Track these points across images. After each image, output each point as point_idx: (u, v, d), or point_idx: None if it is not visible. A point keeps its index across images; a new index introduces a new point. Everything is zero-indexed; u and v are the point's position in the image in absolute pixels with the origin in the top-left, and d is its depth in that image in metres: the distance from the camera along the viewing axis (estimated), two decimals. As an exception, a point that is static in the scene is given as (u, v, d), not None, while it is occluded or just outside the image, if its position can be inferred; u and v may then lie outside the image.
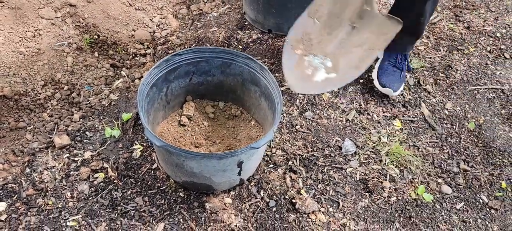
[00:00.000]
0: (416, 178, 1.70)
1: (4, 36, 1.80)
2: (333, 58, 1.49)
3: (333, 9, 1.52)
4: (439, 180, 1.71)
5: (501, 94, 2.05)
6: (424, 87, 2.04)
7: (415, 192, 1.66)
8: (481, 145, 1.84)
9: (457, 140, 1.85)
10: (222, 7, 2.43)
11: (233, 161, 1.41)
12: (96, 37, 2.00)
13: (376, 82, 1.97)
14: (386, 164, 1.73)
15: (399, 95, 1.99)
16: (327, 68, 1.49)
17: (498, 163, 1.79)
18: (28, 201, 1.50)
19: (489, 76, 2.13)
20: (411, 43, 1.99)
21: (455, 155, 1.80)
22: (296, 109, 1.89)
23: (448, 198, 1.66)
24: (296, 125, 1.83)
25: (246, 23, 2.33)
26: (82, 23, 1.99)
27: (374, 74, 2.01)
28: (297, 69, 1.50)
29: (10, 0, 1.86)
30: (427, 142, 1.83)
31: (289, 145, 1.75)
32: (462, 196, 1.68)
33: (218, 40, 2.19)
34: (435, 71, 2.12)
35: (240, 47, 2.18)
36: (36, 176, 1.56)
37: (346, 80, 1.55)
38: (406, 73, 2.02)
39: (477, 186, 1.71)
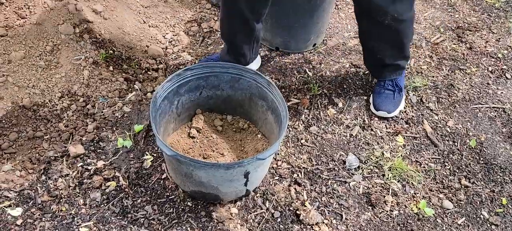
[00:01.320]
0: (418, 193, 1.75)
1: (26, 51, 1.90)
2: None
3: None
4: (441, 195, 1.75)
5: (502, 113, 2.10)
6: (427, 105, 2.10)
7: (417, 207, 1.70)
8: (482, 162, 1.88)
9: (459, 157, 1.90)
10: (232, 25, 2.52)
11: (240, 171, 1.47)
12: (111, 52, 2.10)
13: (371, 107, 2.03)
14: (389, 178, 1.77)
15: (402, 111, 2.04)
16: None
17: (499, 180, 1.82)
18: (43, 207, 1.57)
19: (490, 95, 2.18)
20: (386, 73, 2.00)
21: (457, 171, 1.84)
22: (301, 124, 1.95)
23: (450, 213, 1.70)
24: (301, 139, 1.89)
25: (255, 41, 2.41)
26: (99, 38, 2.09)
27: (370, 99, 2.06)
28: None
29: (32, 17, 1.96)
30: (429, 158, 1.88)
31: (294, 158, 1.81)
32: (463, 211, 1.71)
33: (227, 57, 2.28)
34: (438, 89, 2.18)
35: (248, 64, 2.26)
36: (51, 183, 1.63)
37: None
38: (402, 93, 2.05)
39: (478, 202, 1.74)
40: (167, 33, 2.36)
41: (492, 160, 1.89)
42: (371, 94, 2.07)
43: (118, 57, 2.10)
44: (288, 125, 1.93)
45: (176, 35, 2.37)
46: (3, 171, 1.64)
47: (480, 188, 1.79)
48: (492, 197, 1.77)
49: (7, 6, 1.95)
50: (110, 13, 2.19)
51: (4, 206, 1.54)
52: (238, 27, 1.88)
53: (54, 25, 2.00)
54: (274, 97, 1.65)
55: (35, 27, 1.96)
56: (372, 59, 2.04)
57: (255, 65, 2.15)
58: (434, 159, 1.88)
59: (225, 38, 2.02)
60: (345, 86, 2.15)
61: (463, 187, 1.79)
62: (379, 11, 1.72)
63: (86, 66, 2.00)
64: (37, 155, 1.71)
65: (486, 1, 2.80)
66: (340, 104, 2.06)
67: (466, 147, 1.94)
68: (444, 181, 1.80)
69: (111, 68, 2.06)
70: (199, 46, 2.35)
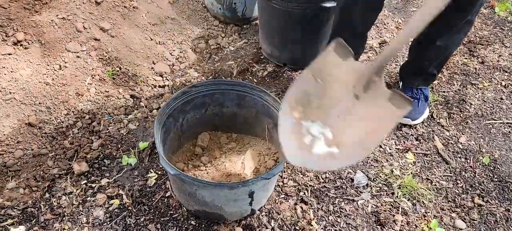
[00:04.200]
0: (429, 212, 1.69)
1: (33, 68, 1.91)
2: (334, 129, 1.24)
3: (338, 71, 1.26)
4: (453, 215, 1.69)
5: (517, 129, 2.03)
6: (438, 121, 2.04)
7: (428, 226, 1.64)
8: (496, 179, 1.82)
9: (472, 174, 1.83)
10: (239, 41, 2.52)
11: (244, 191, 1.44)
12: (118, 69, 2.10)
13: None
14: (399, 196, 1.72)
15: (412, 127, 2.00)
16: (327, 140, 1.23)
17: (514, 198, 1.76)
18: (46, 225, 1.55)
19: (504, 110, 2.11)
20: (419, 81, 2.03)
21: (470, 189, 1.78)
22: (308, 141, 1.91)
23: (463, 233, 1.64)
24: (308, 156, 1.85)
25: (262, 57, 2.40)
26: (106, 56, 2.10)
27: None
28: (293, 135, 1.26)
29: (40, 35, 1.98)
30: (440, 176, 1.82)
31: (301, 176, 1.77)
32: (477, 231, 1.65)
33: (232, 73, 2.26)
34: (449, 105, 2.13)
35: (255, 81, 2.25)
36: (54, 201, 1.62)
37: (350, 160, 1.31)
38: (428, 102, 2.05)
39: (493, 222, 1.68)
40: (174, 50, 2.36)
41: (506, 177, 1.82)
42: None
43: (124, 74, 2.11)
44: (295, 141, 1.90)
45: (183, 52, 2.37)
46: (7, 189, 1.64)
47: (494, 207, 1.72)
48: (507, 216, 1.70)
49: (15, 25, 1.97)
50: (117, 31, 2.20)
51: (7, 224, 1.53)
52: (352, 38, 1.84)
53: (62, 43, 2.02)
54: (280, 114, 1.63)
55: (43, 45, 1.98)
56: (414, 67, 2.02)
57: None
58: (446, 177, 1.82)
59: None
60: (353, 102, 2.11)
61: (476, 205, 1.72)
62: (465, 6, 1.67)
63: (93, 83, 2.01)
64: (41, 172, 1.70)
65: (498, 15, 2.75)
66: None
67: (479, 164, 1.87)
68: (456, 199, 1.74)
69: (117, 85, 2.06)
70: (206, 63, 2.35)
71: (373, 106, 1.20)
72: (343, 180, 1.77)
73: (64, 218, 1.57)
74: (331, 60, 1.26)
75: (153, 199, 1.66)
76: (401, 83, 2.12)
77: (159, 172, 1.75)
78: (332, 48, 1.25)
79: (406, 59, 2.09)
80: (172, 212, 1.62)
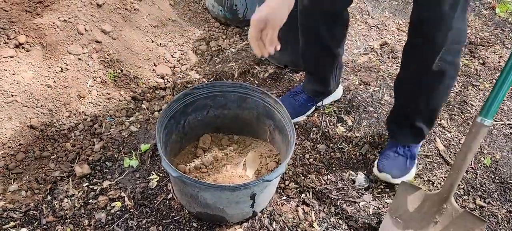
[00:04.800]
0: (431, 214, 1.69)
1: (35, 71, 1.92)
2: None
3: (412, 206, 1.53)
4: (455, 216, 1.69)
5: (518, 130, 2.04)
6: (439, 122, 2.05)
7: (430, 228, 1.64)
8: (498, 181, 1.82)
9: (473, 176, 1.83)
10: (240, 43, 2.52)
11: (246, 193, 1.44)
12: (119, 71, 2.10)
13: (374, 168, 1.78)
14: (400, 198, 1.72)
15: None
16: None
17: (516, 200, 1.76)
18: (48, 228, 1.56)
19: (505, 112, 2.12)
20: (406, 136, 1.78)
21: (471, 190, 1.78)
22: (309, 142, 1.92)
23: (464, 235, 1.63)
24: (310, 157, 1.85)
25: (263, 58, 2.40)
26: (107, 58, 2.10)
27: (376, 160, 1.82)
28: None
29: (42, 38, 1.99)
30: (442, 177, 1.82)
31: (302, 178, 1.77)
32: (479, 233, 1.64)
33: (233, 75, 2.27)
34: (450, 106, 2.13)
35: (256, 82, 2.25)
36: (56, 204, 1.62)
37: None
38: (415, 161, 1.81)
39: (494, 223, 1.68)
40: (175, 52, 2.36)
41: (508, 178, 1.83)
42: (379, 155, 1.82)
43: (126, 77, 2.11)
44: (296, 143, 1.90)
45: (184, 54, 2.38)
46: (9, 191, 1.64)
47: (496, 209, 1.72)
48: (509, 217, 1.70)
49: (16, 27, 1.98)
50: (119, 33, 2.21)
51: (9, 227, 1.53)
52: (320, 56, 1.85)
53: (64, 46, 2.02)
54: (282, 116, 1.63)
55: (45, 48, 1.98)
56: (399, 115, 1.77)
57: (338, 93, 2.12)
58: (448, 178, 1.82)
59: (308, 69, 1.96)
60: (354, 103, 2.12)
61: (478, 207, 1.72)
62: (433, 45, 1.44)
63: (94, 85, 2.01)
64: (43, 175, 1.70)
65: (499, 16, 2.76)
66: (349, 122, 2.02)
67: (481, 166, 1.88)
68: (458, 201, 1.74)
69: (119, 87, 2.07)
70: (207, 65, 2.35)
71: (452, 227, 1.46)
72: (345, 182, 1.77)
73: (66, 221, 1.57)
74: (403, 200, 1.55)
75: (155, 201, 1.66)
76: (389, 133, 1.89)
77: (161, 174, 1.75)
78: (400, 190, 1.55)
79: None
80: (174, 214, 1.62)
